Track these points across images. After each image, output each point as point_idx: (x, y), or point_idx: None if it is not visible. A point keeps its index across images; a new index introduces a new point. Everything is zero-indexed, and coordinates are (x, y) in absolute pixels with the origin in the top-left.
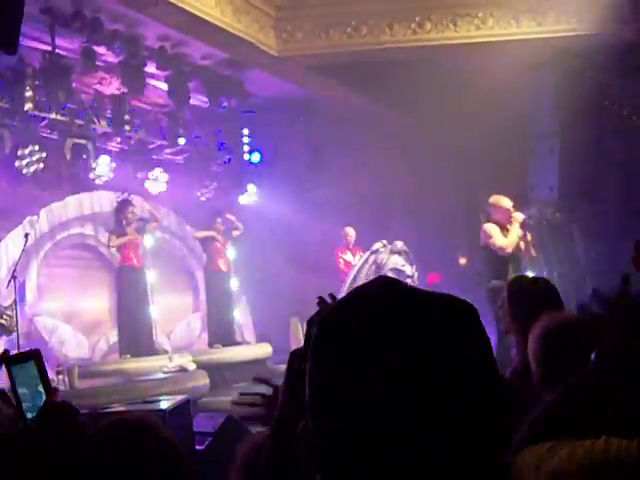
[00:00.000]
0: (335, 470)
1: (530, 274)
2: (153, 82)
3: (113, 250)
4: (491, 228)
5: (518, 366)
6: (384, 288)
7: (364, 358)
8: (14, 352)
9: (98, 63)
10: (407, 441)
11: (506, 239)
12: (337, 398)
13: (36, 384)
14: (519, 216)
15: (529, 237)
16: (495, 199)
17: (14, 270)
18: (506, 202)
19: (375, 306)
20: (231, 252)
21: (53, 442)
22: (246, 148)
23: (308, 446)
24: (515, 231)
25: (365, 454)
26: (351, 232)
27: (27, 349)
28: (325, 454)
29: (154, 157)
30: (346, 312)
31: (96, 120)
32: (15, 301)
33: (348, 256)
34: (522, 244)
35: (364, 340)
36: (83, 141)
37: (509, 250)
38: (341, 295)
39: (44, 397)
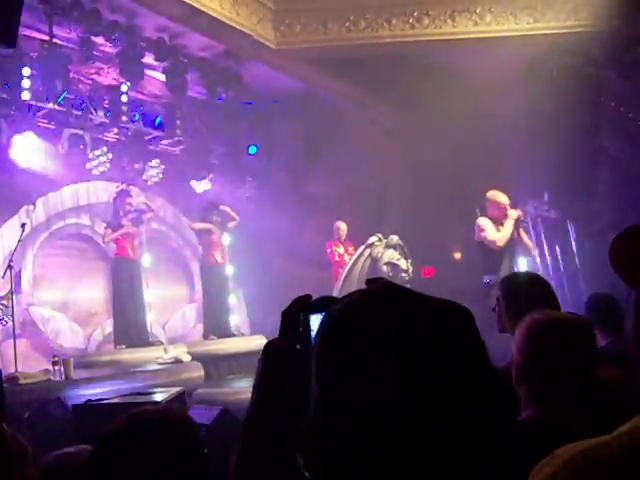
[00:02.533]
0: (341, 467)
1: (523, 270)
2: (151, 73)
3: (98, 238)
4: (484, 222)
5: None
6: (386, 292)
7: (368, 359)
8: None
9: (96, 53)
10: (411, 437)
11: (498, 233)
12: (344, 397)
13: None
14: (514, 213)
15: (522, 233)
16: (492, 194)
17: (10, 260)
18: (503, 198)
19: (379, 309)
20: (226, 241)
21: None
22: (243, 141)
23: (312, 445)
24: (509, 227)
25: (370, 451)
26: (342, 226)
27: None
28: (332, 451)
29: (151, 148)
30: (350, 314)
31: (93, 110)
32: (11, 291)
33: (340, 249)
34: (525, 239)
35: (369, 341)
36: (80, 131)
37: (500, 244)
38: (337, 288)
39: None
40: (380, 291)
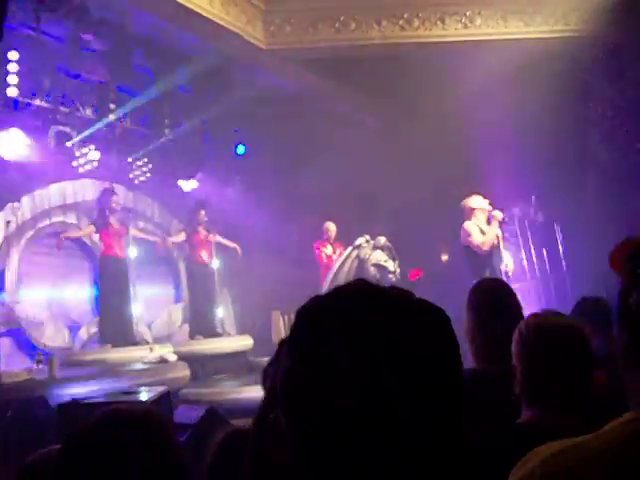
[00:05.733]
0: (305, 461)
1: (488, 275)
2: (139, 71)
3: (95, 238)
4: (469, 226)
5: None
6: (363, 289)
7: (337, 353)
8: None
9: (84, 50)
10: (371, 435)
11: (483, 237)
12: (309, 390)
13: None
14: (498, 214)
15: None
16: (471, 200)
17: None
18: (481, 202)
19: (352, 305)
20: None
21: None
22: (232, 140)
23: (278, 438)
24: (493, 229)
25: (333, 446)
26: (332, 227)
27: None
28: (294, 445)
29: (139, 146)
30: (324, 308)
31: (81, 108)
32: None
33: (329, 250)
34: (499, 241)
35: (339, 336)
36: (67, 128)
37: (486, 248)
38: (323, 289)
39: None
40: (351, 289)
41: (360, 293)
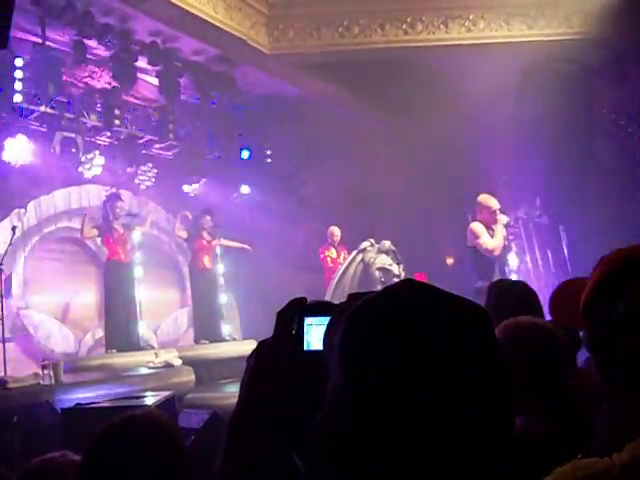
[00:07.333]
0: (363, 459)
1: (513, 277)
2: (144, 77)
3: (89, 241)
4: (479, 228)
5: None
6: (413, 288)
7: (393, 351)
8: None
9: (89, 56)
10: (427, 433)
11: (494, 241)
12: (367, 389)
13: None
14: (503, 218)
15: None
16: (483, 198)
17: (0, 263)
18: (494, 202)
19: (405, 302)
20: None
21: None
22: (236, 145)
23: (329, 438)
24: (500, 233)
25: (392, 444)
26: (336, 231)
27: None
28: (355, 443)
29: (144, 152)
30: (377, 307)
31: (86, 114)
32: (1, 294)
33: (333, 254)
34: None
35: (394, 334)
36: (72, 135)
37: (497, 253)
38: (329, 293)
39: None
40: (408, 285)
41: (415, 292)
